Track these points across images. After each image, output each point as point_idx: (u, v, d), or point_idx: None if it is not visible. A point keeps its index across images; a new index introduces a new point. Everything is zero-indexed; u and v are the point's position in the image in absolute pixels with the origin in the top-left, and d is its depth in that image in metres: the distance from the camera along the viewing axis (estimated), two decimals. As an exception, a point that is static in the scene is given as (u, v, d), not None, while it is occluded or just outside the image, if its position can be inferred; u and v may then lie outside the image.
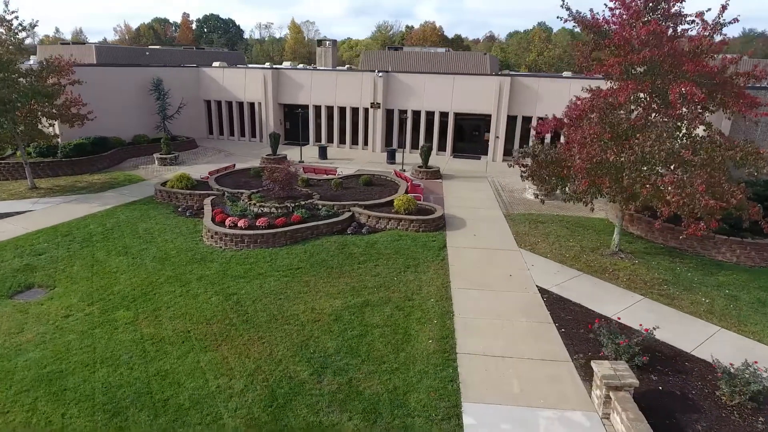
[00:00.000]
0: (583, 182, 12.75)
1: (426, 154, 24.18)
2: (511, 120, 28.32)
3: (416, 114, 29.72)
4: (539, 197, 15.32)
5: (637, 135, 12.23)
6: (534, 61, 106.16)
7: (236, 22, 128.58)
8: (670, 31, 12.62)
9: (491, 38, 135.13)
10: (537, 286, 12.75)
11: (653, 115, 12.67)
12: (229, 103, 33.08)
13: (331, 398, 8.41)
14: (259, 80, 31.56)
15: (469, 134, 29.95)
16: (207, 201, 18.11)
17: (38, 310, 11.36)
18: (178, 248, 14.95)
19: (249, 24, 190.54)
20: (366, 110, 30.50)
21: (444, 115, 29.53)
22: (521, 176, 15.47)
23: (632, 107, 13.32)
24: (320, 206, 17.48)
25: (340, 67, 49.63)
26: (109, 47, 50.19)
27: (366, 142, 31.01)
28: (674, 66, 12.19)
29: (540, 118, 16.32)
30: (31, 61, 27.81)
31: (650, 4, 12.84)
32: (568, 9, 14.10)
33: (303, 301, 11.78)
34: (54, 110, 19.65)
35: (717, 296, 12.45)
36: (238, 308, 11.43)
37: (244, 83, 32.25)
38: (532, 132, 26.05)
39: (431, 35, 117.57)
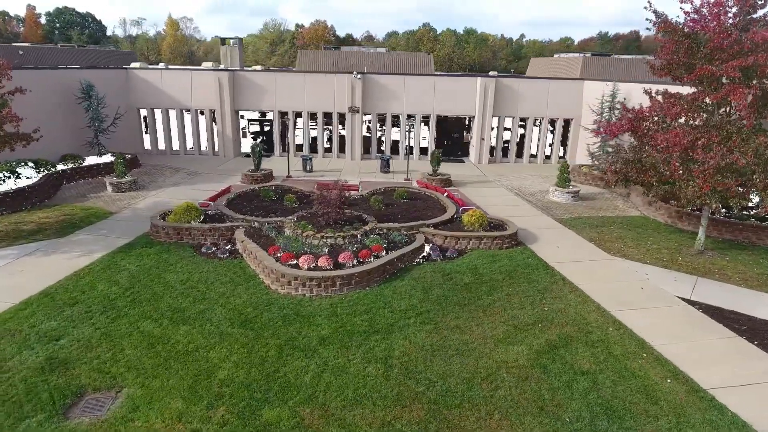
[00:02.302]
0: (705, 186, 12.63)
1: (437, 161, 22.81)
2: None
3: (395, 117, 28.10)
4: (651, 203, 14.93)
5: (756, 137, 12.41)
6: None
7: (96, 16, 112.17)
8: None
9: (370, 38, 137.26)
10: (676, 296, 12.32)
11: (755, 117, 12.98)
12: (171, 112, 27.92)
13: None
14: (212, 84, 27.08)
15: (450, 137, 29.21)
16: (240, 235, 14.60)
17: None
18: (250, 303, 11.64)
19: (111, 19, 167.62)
20: (341, 115, 28.00)
21: (425, 118, 28.37)
22: (611, 182, 14.99)
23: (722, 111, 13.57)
24: (385, 230, 15.18)
25: (252, 66, 45.47)
26: (-31, 43, 39.56)
27: (344, 150, 28.52)
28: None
29: (607, 123, 15.98)
30: None
31: (744, 9, 13.13)
32: (655, 12, 13.92)
33: (479, 353, 9.76)
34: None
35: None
36: (416, 376, 9.03)
37: (191, 88, 27.45)
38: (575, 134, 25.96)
39: (323, 34, 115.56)
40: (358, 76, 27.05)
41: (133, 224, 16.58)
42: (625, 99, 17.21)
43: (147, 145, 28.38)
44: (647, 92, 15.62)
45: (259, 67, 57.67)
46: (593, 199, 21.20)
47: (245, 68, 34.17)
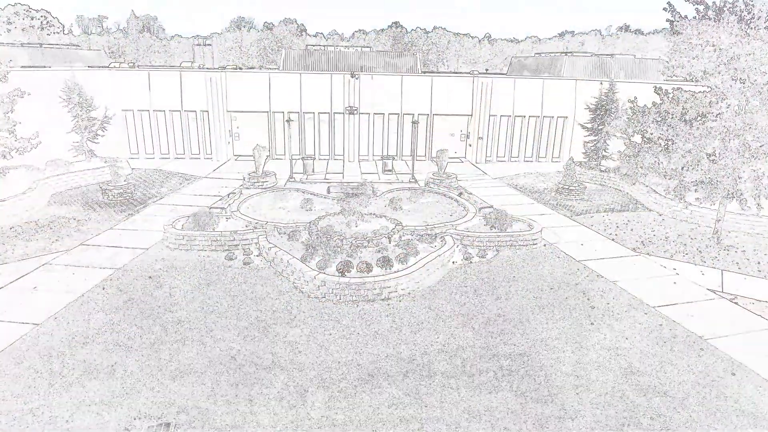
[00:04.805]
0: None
1: (445, 161, 22.67)
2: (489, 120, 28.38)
3: (393, 118, 27.88)
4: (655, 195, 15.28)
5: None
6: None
7: (53, 13, 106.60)
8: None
9: (335, 36, 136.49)
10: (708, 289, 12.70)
11: None
12: (159, 114, 26.71)
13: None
14: (204, 84, 26.09)
15: (448, 136, 29.19)
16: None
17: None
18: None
19: (68, 17, 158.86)
20: (338, 116, 27.52)
21: (422, 118, 28.22)
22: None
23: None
24: (411, 232, 14.94)
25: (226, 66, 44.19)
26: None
27: (342, 151, 28.05)
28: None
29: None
30: None
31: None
32: (673, 12, 14.25)
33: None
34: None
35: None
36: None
37: (181, 88, 26.35)
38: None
39: (295, 32, 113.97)
40: (356, 75, 26.65)
41: (135, 234, 15.69)
42: (636, 98, 17.66)
43: (134, 148, 27.07)
44: (657, 92, 15.99)
45: (230, 66, 56.08)
46: (597, 195, 21.61)
47: (240, 68, 33.09)
